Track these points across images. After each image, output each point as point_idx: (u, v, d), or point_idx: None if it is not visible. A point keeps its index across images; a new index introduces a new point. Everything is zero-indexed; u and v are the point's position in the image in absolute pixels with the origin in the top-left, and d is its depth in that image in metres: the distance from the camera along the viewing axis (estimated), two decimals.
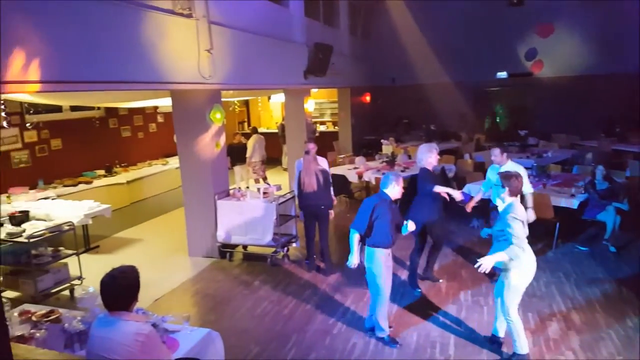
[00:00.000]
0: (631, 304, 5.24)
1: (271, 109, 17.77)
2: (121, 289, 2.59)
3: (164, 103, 8.97)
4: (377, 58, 15.76)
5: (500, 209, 4.09)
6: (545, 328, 4.80)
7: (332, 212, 6.38)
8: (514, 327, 4.12)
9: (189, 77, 6.13)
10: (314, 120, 14.19)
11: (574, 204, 6.69)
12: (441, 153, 6.51)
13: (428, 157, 5.49)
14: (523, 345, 4.13)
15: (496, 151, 5.89)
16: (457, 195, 5.40)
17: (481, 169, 9.91)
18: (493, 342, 4.53)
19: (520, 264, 3.96)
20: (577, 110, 13.77)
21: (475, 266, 3.95)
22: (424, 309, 5.34)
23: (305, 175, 6.14)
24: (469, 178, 8.43)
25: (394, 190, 4.42)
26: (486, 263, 3.89)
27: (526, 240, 3.97)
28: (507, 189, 3.99)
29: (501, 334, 4.49)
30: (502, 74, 15.27)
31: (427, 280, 5.99)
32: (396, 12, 15.29)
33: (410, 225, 4.43)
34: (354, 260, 4.48)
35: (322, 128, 16.36)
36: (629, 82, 12.82)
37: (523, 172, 5.61)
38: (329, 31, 12.23)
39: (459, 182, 8.95)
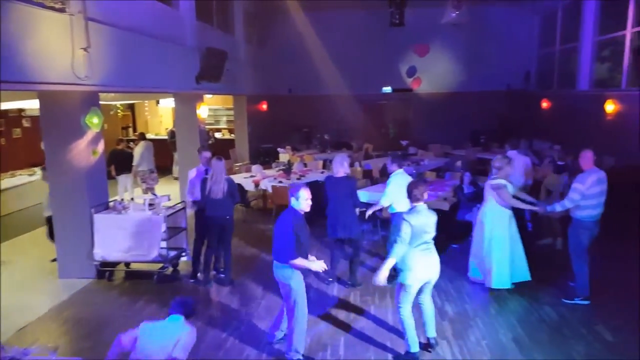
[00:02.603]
0: (493, 293, 5.81)
1: (160, 114, 16.89)
2: None
3: (32, 105, 7.99)
4: (274, 67, 15.82)
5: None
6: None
7: None
8: (404, 324, 4.31)
9: (60, 77, 5.56)
10: (208, 127, 13.74)
11: (446, 206, 7.34)
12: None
13: (347, 166, 5.88)
14: (412, 343, 4.32)
15: (387, 161, 6.28)
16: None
17: (369, 176, 10.37)
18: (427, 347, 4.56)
19: (411, 265, 4.17)
20: (450, 123, 15.47)
21: (374, 283, 4.17)
22: (316, 312, 5.36)
23: (214, 183, 5.85)
24: (358, 185, 8.67)
25: (306, 203, 4.25)
26: (380, 277, 4.13)
27: (424, 245, 4.21)
28: (409, 195, 4.29)
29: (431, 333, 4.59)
30: (387, 89, 16.36)
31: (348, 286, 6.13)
32: (292, 24, 15.41)
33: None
34: (321, 265, 4.27)
35: (217, 135, 15.92)
36: (493, 99, 15.21)
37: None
38: (223, 37, 11.93)
39: None
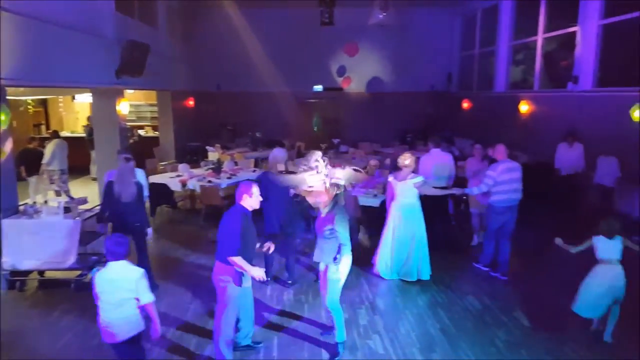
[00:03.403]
0: (421, 285, 6.03)
1: (77, 110, 15.77)
2: None
3: None
4: (201, 62, 15.28)
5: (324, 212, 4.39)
6: (357, 316, 5.22)
7: (150, 232, 5.80)
8: (337, 316, 4.41)
9: None
10: (130, 124, 13.02)
11: (376, 203, 7.48)
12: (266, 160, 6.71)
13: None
14: (342, 332, 4.45)
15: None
16: None
17: None
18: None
19: (342, 260, 4.29)
20: (379, 122, 15.90)
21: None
22: None
23: (122, 188, 5.47)
24: None
25: (258, 199, 4.15)
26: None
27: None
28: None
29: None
30: (318, 87, 16.48)
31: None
32: (221, 19, 14.98)
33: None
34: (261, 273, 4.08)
35: (141, 132, 15.14)
36: (418, 99, 15.78)
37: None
38: (145, 29, 11.34)
39: None
